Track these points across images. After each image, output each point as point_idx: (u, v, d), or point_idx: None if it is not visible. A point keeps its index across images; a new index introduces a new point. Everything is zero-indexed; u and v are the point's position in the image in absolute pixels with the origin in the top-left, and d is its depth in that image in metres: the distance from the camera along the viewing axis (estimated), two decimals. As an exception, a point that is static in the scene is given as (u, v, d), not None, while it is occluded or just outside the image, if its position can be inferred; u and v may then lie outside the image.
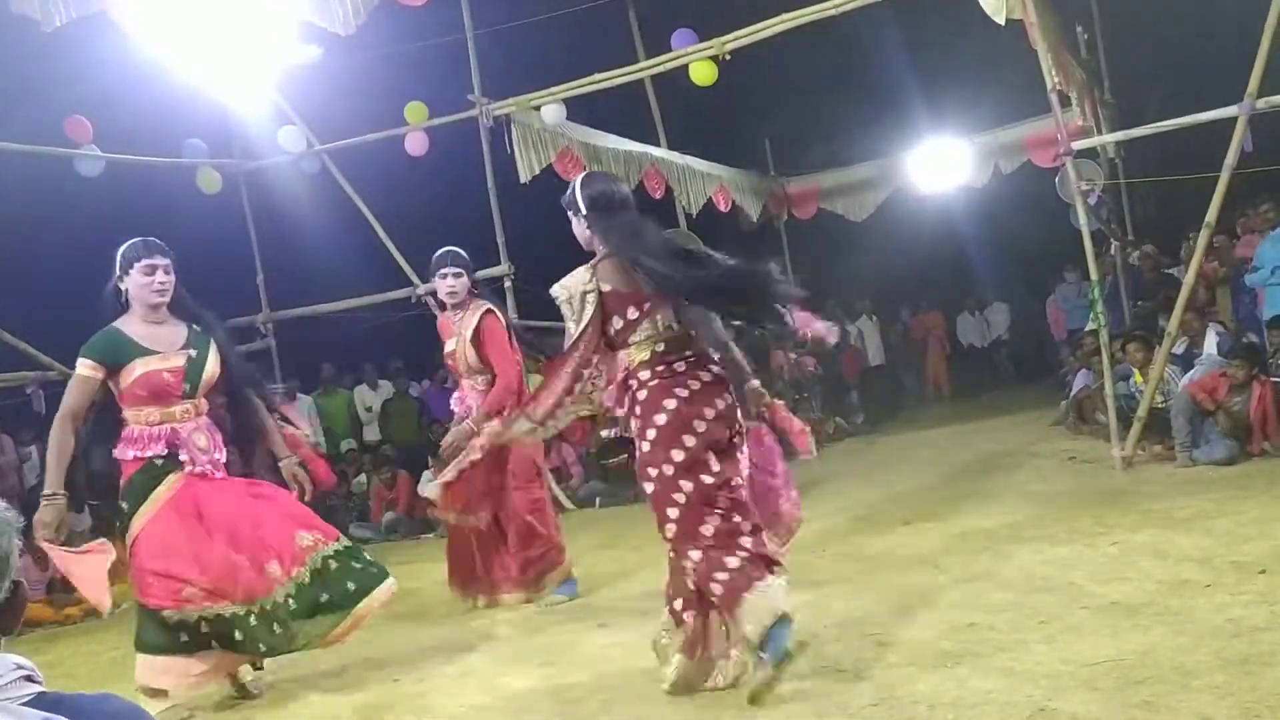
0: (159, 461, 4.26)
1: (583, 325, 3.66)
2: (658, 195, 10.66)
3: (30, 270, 10.81)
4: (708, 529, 3.49)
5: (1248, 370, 7.12)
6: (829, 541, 6.18)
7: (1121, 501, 6.06)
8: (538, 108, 9.28)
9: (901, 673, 3.57)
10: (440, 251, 5.58)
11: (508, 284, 9.41)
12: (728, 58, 8.51)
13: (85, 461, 4.45)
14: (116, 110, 9.20)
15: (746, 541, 3.49)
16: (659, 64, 9.13)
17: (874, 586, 4.90)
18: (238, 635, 4.17)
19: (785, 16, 8.22)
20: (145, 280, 4.27)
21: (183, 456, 4.28)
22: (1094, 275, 7.82)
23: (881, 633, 4.09)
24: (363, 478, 10.66)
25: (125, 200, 10.00)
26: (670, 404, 3.58)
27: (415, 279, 9.96)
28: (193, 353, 4.33)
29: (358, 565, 4.31)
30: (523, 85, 9.50)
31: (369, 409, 11.71)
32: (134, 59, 8.07)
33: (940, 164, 13.01)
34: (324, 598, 4.20)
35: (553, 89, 9.20)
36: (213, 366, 4.40)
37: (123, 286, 4.32)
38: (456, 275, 5.53)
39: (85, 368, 4.22)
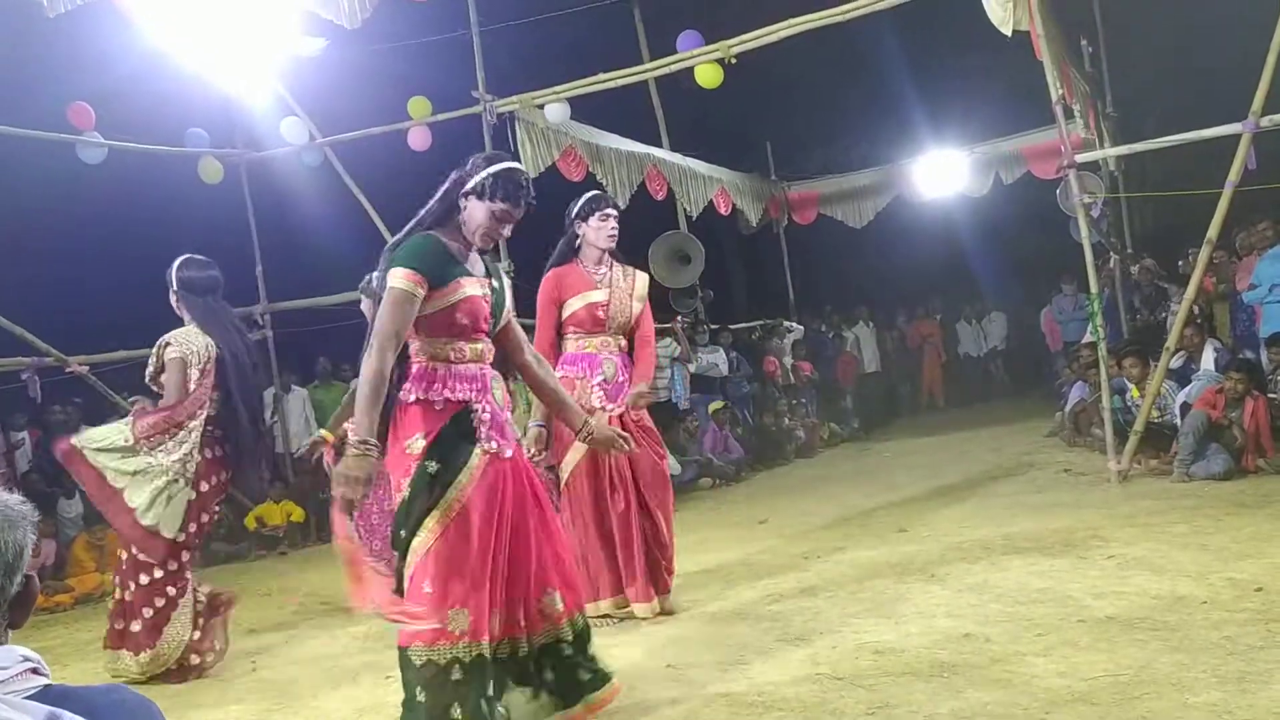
0: (471, 414, 3.27)
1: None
2: (659, 196, 10.65)
3: (29, 256, 10.78)
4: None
5: (1247, 384, 7.12)
6: (823, 547, 6.18)
7: (1117, 515, 6.06)
8: (541, 106, 9.26)
9: (897, 681, 3.57)
10: (595, 193, 5.10)
11: (507, 281, 9.38)
12: (733, 61, 8.51)
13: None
14: (120, 98, 9.18)
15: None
16: (664, 65, 9.12)
17: (869, 594, 4.89)
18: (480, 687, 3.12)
19: (792, 21, 8.22)
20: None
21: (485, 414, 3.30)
22: (1093, 288, 7.83)
23: (877, 641, 4.08)
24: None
25: (126, 188, 9.99)
26: (209, 453, 4.86)
27: (414, 274, 9.92)
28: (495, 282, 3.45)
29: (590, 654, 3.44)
30: (527, 83, 9.48)
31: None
32: (138, 47, 8.05)
33: (940, 173, 13.05)
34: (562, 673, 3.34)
35: (557, 87, 9.18)
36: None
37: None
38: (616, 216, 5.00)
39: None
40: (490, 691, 3.15)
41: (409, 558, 3.16)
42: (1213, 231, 7.18)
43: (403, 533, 3.18)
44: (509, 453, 3.31)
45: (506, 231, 3.37)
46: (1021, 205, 13.69)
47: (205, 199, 10.38)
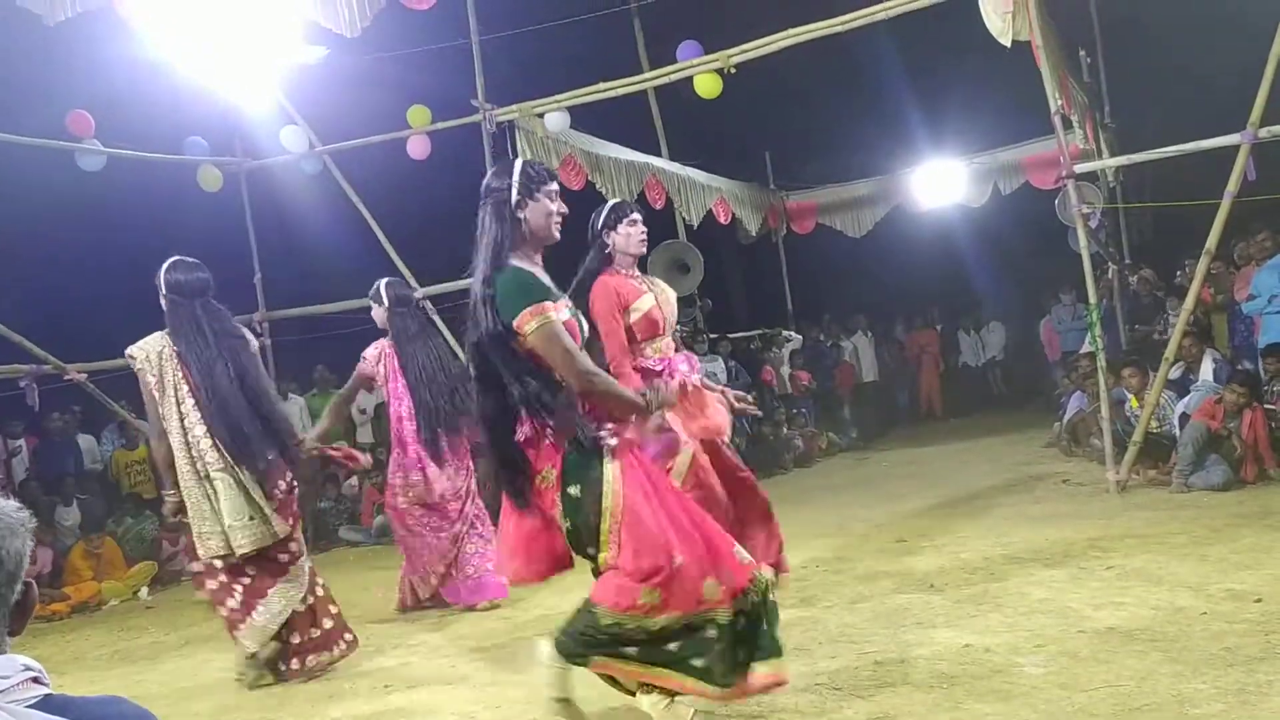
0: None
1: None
2: (658, 205, 10.66)
3: (27, 263, 10.77)
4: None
5: (1248, 397, 7.12)
6: (822, 557, 6.17)
7: (1116, 525, 6.06)
8: (541, 115, 9.27)
9: (897, 692, 3.56)
10: (617, 201, 4.97)
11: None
12: (733, 71, 8.52)
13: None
14: (119, 107, 9.17)
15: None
16: (665, 74, 9.12)
17: (868, 604, 4.89)
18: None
19: (791, 32, 8.23)
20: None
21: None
22: (1092, 298, 7.83)
23: (876, 651, 4.08)
24: (353, 480, 10.62)
25: (125, 196, 9.97)
26: None
27: (414, 282, 9.92)
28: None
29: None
30: (526, 91, 9.49)
31: (362, 411, 11.65)
32: (138, 55, 8.04)
33: (939, 183, 13.07)
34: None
35: (557, 96, 9.19)
36: None
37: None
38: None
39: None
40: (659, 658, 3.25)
41: (601, 568, 3.31)
42: (1211, 242, 7.18)
43: (590, 550, 3.31)
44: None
45: (564, 209, 3.44)
46: (1020, 215, 13.70)
47: (204, 207, 10.37)
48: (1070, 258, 9.09)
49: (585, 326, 3.51)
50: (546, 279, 3.37)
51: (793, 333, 13.95)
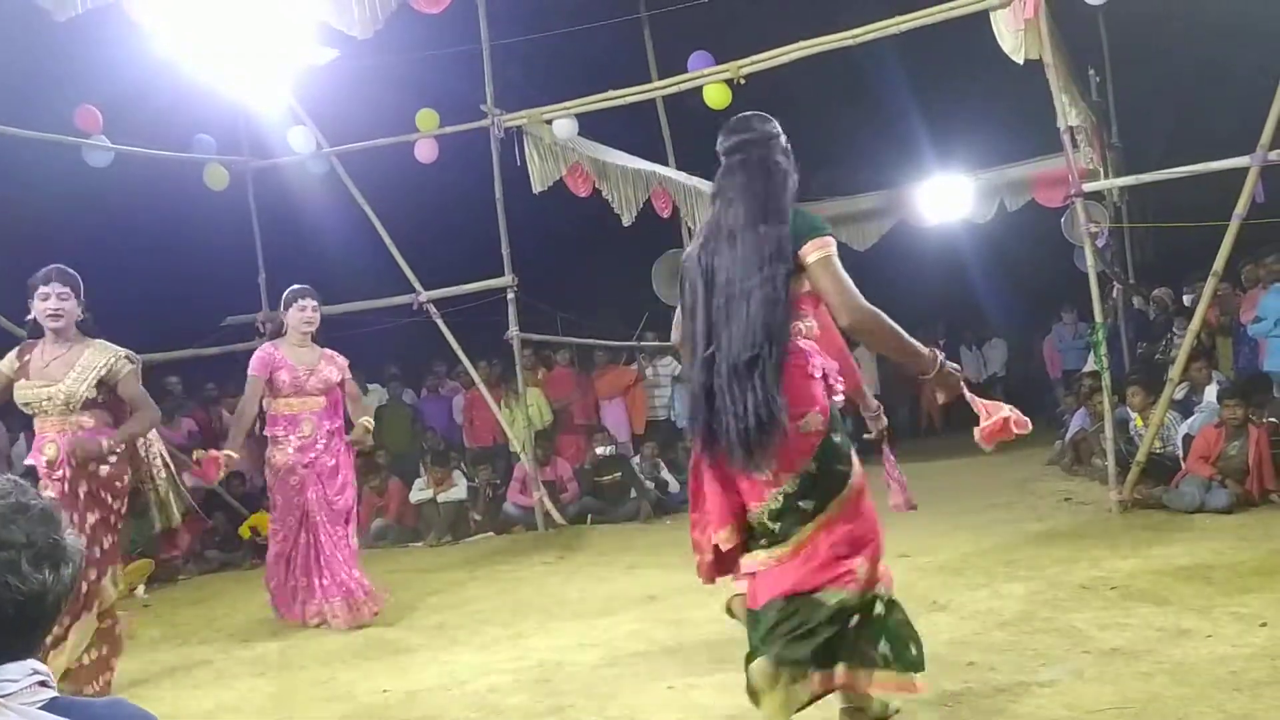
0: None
1: None
2: (665, 215, 10.66)
3: (33, 258, 10.71)
4: None
5: (1244, 411, 7.08)
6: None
7: (1119, 545, 6.04)
8: (549, 121, 9.28)
9: (902, 708, 3.53)
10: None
11: (510, 295, 9.39)
12: (742, 81, 8.52)
13: None
14: (128, 103, 9.15)
15: None
16: (675, 84, 9.13)
17: (870, 619, 4.85)
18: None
19: (801, 44, 8.24)
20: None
21: None
22: (1098, 317, 7.80)
23: (879, 667, 4.04)
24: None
25: (132, 194, 9.93)
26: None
27: (417, 285, 9.95)
28: None
29: None
30: (535, 97, 9.50)
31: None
32: (148, 52, 8.03)
33: (945, 198, 13.06)
34: None
35: (566, 103, 9.20)
36: None
37: None
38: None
39: None
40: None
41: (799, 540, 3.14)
42: (1219, 264, 7.16)
43: (803, 503, 3.15)
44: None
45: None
46: (1025, 232, 13.69)
47: (210, 205, 10.36)
48: (1074, 276, 9.08)
49: None
50: None
51: None
